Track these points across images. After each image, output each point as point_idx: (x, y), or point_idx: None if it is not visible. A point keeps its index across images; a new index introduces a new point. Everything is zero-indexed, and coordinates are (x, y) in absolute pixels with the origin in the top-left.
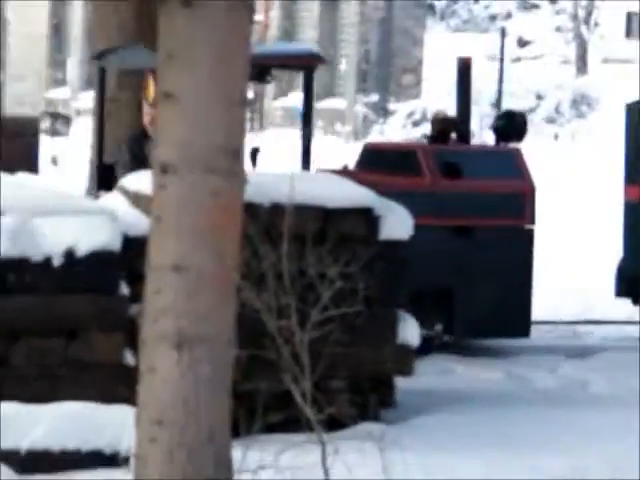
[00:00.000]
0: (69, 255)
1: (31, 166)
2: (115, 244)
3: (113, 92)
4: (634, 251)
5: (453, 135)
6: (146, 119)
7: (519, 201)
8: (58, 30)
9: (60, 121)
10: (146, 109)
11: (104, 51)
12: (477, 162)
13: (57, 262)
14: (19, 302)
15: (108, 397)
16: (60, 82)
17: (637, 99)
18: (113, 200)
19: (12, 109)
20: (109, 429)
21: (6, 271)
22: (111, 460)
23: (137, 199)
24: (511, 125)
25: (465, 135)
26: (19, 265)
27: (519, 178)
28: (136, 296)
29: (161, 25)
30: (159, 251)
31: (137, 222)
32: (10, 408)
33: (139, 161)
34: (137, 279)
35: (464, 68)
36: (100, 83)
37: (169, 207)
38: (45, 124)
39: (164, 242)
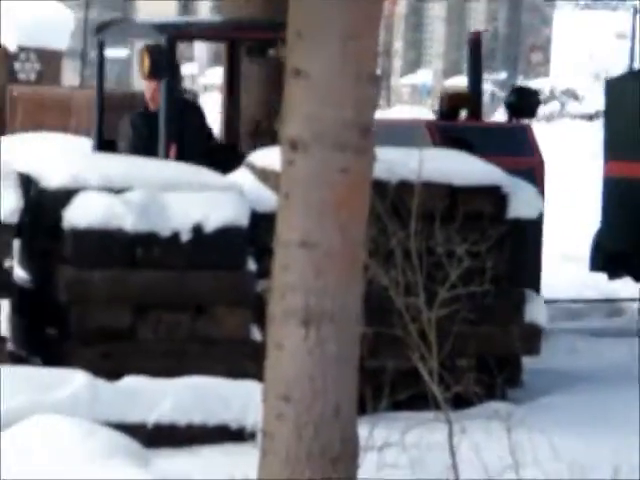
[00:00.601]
0: (197, 230)
1: None
2: (243, 220)
3: (245, 68)
4: (611, 226)
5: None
6: (147, 95)
7: (529, 177)
8: (186, 7)
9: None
10: (145, 84)
11: (102, 24)
12: (485, 138)
13: (185, 237)
14: (147, 277)
15: (234, 372)
16: (188, 58)
17: (617, 75)
18: (241, 176)
19: (140, 84)
20: (235, 404)
21: (135, 246)
22: (237, 435)
23: (265, 175)
24: (523, 101)
25: (477, 111)
26: (147, 240)
27: (529, 154)
28: (263, 272)
29: (291, 3)
30: (287, 227)
31: (265, 198)
32: (137, 382)
33: (141, 137)
34: (264, 255)
35: (474, 42)
36: (99, 56)
37: (297, 183)
38: None
39: (292, 218)
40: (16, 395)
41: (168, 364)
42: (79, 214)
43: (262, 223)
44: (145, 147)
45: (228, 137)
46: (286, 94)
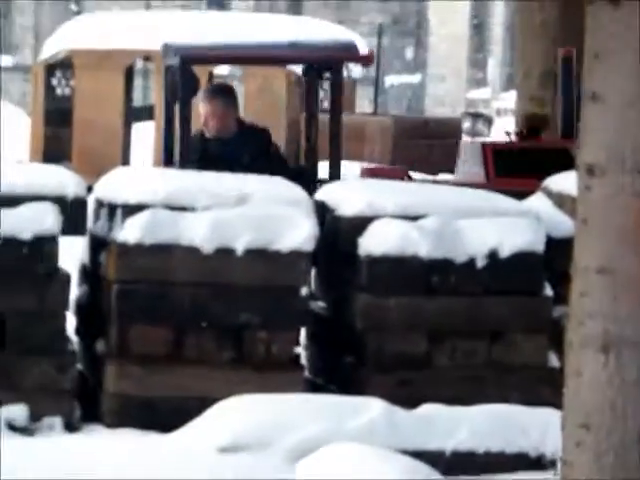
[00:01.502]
0: (493, 256)
1: (453, 167)
2: (539, 245)
3: (535, 91)
4: None
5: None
6: (202, 119)
7: None
8: (479, 30)
9: (481, 121)
10: (200, 109)
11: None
12: (548, 160)
13: (481, 263)
14: (443, 303)
15: (531, 399)
16: (480, 82)
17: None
18: (537, 201)
19: (432, 110)
20: (533, 431)
21: (430, 272)
22: (536, 463)
23: (561, 200)
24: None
25: (570, 133)
26: (443, 266)
27: None
28: (559, 298)
29: (588, 25)
30: (585, 253)
31: (560, 223)
32: (433, 410)
33: (192, 162)
34: (559, 281)
35: (566, 61)
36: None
37: (595, 209)
38: (466, 124)
39: (590, 244)
40: (312, 423)
41: (464, 391)
42: (375, 241)
43: (557, 248)
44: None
45: (307, 160)
46: (583, 118)
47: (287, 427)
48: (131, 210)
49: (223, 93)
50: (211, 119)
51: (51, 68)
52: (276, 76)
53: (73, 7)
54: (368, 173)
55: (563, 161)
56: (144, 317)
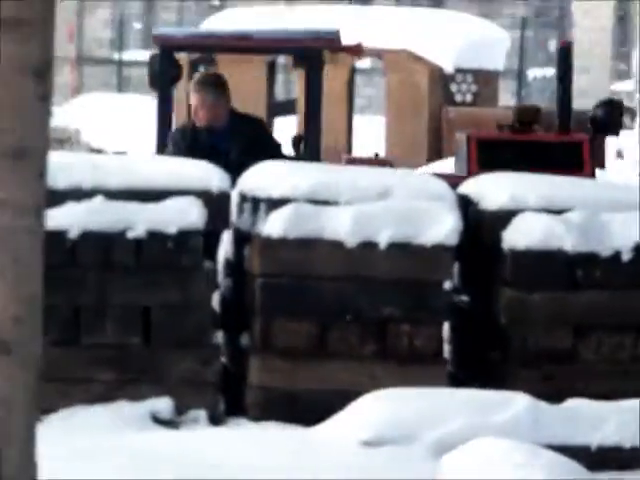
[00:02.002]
0: (638, 250)
1: (600, 161)
2: None
3: None
4: None
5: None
6: (192, 110)
7: None
8: (623, 22)
9: (626, 114)
10: (191, 100)
11: None
12: (532, 153)
13: (626, 257)
14: (588, 298)
15: None
16: (624, 74)
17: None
18: None
19: (576, 101)
20: None
21: (575, 266)
22: None
23: None
24: (608, 116)
25: (566, 125)
26: (588, 260)
27: (578, 169)
28: None
29: None
30: None
31: None
32: (579, 404)
33: (180, 151)
34: None
35: (564, 53)
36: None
37: None
38: (599, 115)
39: None
40: (456, 418)
41: (611, 386)
42: (519, 235)
43: None
44: None
45: (310, 153)
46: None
47: (431, 421)
48: (275, 204)
49: (213, 83)
50: (200, 109)
51: (195, 63)
52: (418, 70)
53: (216, 2)
54: (349, 162)
55: (553, 155)
56: (288, 311)
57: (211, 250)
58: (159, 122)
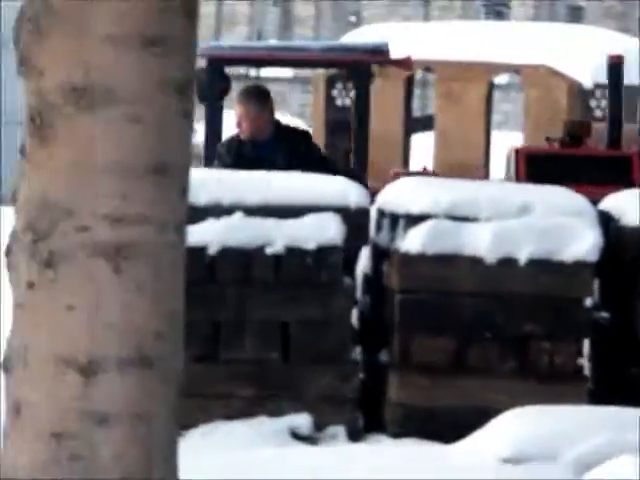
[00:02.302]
0: None
1: None
2: None
3: None
4: None
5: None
6: (236, 122)
7: None
8: None
9: None
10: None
11: None
12: (581, 167)
13: None
14: None
15: None
16: None
17: None
18: None
19: None
20: None
21: None
22: None
23: None
24: None
25: (616, 140)
26: None
27: (626, 184)
28: None
29: None
30: None
31: None
32: None
33: (225, 165)
34: None
35: (614, 67)
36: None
37: None
38: None
39: None
40: (596, 436)
41: None
42: None
43: None
44: None
45: (358, 166)
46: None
47: (571, 438)
48: (414, 220)
49: (255, 95)
50: (244, 121)
51: (331, 79)
52: (557, 85)
53: (352, 19)
54: (395, 176)
55: (601, 169)
56: (427, 327)
57: (349, 266)
58: (208, 136)
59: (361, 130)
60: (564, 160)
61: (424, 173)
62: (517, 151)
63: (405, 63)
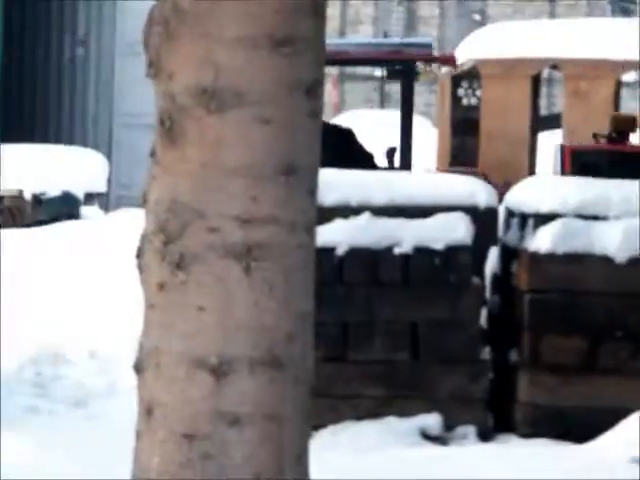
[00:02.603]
0: None
1: None
2: None
3: None
4: None
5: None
6: None
7: None
8: None
9: None
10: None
11: None
12: (624, 163)
13: None
14: None
15: None
16: None
17: None
18: None
19: None
20: None
21: None
22: None
23: None
24: None
25: None
26: None
27: None
28: None
29: None
30: None
31: None
32: None
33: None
34: None
35: None
36: None
37: None
38: None
39: None
40: None
41: None
42: None
43: None
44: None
45: (402, 164)
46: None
47: None
48: (543, 219)
49: None
50: None
51: (457, 79)
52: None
53: (477, 18)
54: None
55: None
56: (557, 326)
57: (478, 266)
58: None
59: (406, 129)
60: (608, 156)
61: (471, 171)
62: (562, 147)
63: (448, 59)
